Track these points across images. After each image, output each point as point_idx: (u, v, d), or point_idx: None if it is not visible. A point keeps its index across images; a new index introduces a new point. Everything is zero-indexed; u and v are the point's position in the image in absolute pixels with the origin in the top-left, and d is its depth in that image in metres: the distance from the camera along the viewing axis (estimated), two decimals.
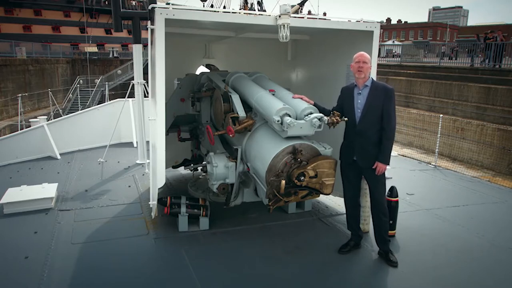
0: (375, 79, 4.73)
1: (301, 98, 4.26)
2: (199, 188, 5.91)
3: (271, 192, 3.93)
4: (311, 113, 4.00)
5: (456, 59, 22.98)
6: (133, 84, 7.75)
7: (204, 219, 4.82)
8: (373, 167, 3.99)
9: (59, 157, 8.31)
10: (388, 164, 4.04)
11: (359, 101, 4.05)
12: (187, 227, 4.77)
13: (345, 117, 4.13)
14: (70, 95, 27.81)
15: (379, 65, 4.81)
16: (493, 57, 18.62)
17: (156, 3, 4.35)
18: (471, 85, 18.02)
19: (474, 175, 9.94)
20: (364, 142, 4.02)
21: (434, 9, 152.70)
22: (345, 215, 5.36)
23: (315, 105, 4.22)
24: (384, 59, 29.11)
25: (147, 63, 5.23)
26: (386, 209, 4.24)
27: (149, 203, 4.67)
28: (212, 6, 30.46)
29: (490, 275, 4.04)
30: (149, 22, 4.33)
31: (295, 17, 4.32)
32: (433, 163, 8.68)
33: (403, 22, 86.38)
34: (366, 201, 4.66)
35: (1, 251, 4.34)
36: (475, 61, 20.60)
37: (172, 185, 6.56)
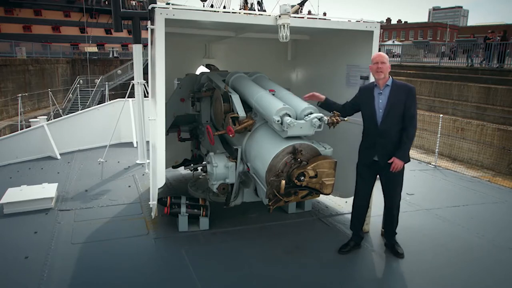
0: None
1: (312, 95, 4.31)
2: (199, 188, 5.91)
3: (271, 192, 3.93)
4: (311, 113, 3.99)
5: (455, 59, 23.01)
6: (133, 84, 7.75)
7: (204, 219, 4.82)
8: (389, 161, 3.95)
9: (59, 157, 8.31)
10: (405, 162, 4.04)
11: (380, 101, 4.03)
12: (187, 227, 4.77)
13: (345, 118, 4.13)
14: (70, 95, 27.81)
15: None
16: (497, 57, 18.67)
17: (156, 3, 4.35)
18: (471, 85, 18.03)
19: (474, 175, 9.93)
20: (386, 142, 4.00)
21: (434, 9, 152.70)
22: (345, 215, 5.38)
23: (326, 100, 4.27)
24: None
25: (147, 63, 5.23)
26: (399, 206, 4.32)
27: (149, 203, 4.67)
28: (212, 6, 30.47)
29: (490, 275, 4.04)
30: (149, 22, 4.32)
31: (295, 17, 4.31)
32: (433, 163, 8.68)
33: (403, 22, 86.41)
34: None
35: (1, 251, 4.34)
36: (475, 61, 20.63)
37: (172, 185, 6.56)
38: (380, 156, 4.07)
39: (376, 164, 4.14)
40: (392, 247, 4.36)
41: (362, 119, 4.23)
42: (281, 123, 3.91)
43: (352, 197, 5.14)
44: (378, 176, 4.29)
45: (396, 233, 4.41)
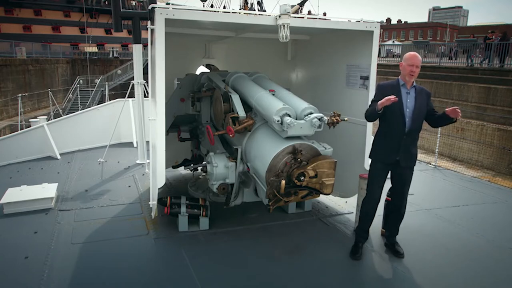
0: (375, 79, 4.75)
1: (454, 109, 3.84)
2: (199, 188, 5.91)
3: (271, 192, 3.93)
4: (311, 113, 4.00)
5: (456, 59, 23.01)
6: (133, 84, 7.75)
7: (204, 219, 4.82)
8: (455, 109, 3.78)
9: (59, 157, 8.31)
10: (414, 165, 4.18)
11: (408, 100, 4.00)
12: (187, 227, 4.77)
13: (345, 117, 4.13)
14: (70, 95, 27.81)
15: (379, 65, 4.80)
16: (498, 57, 18.73)
17: (156, 3, 4.35)
18: (471, 85, 18.04)
19: (474, 175, 9.93)
20: (411, 142, 4.00)
21: (434, 9, 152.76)
22: (345, 215, 5.38)
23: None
24: (384, 59, 29.12)
25: (147, 63, 5.24)
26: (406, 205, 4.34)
27: (149, 203, 4.67)
28: (212, 6, 30.49)
29: (490, 275, 4.04)
30: (149, 22, 4.33)
31: (295, 17, 4.31)
32: (433, 163, 8.69)
33: (403, 22, 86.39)
34: None
35: (1, 251, 4.34)
36: (475, 61, 20.65)
37: (172, 185, 6.56)
38: (403, 157, 4.02)
39: (394, 164, 4.08)
40: (392, 246, 4.37)
41: (385, 118, 4.03)
42: (281, 123, 3.91)
43: (352, 197, 5.14)
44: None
45: (397, 233, 4.43)
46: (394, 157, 4.04)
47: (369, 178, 4.27)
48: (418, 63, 3.98)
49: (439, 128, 9.70)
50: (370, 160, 4.33)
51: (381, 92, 4.03)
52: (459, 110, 3.81)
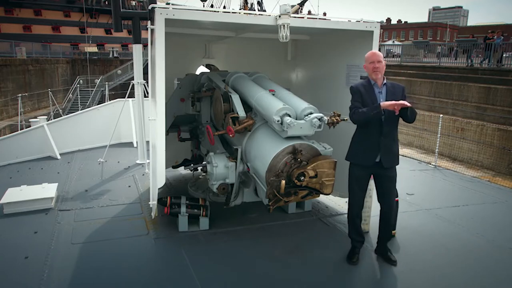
0: None
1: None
2: (199, 188, 5.91)
3: (271, 192, 3.93)
4: (311, 113, 4.00)
5: (456, 59, 23.02)
6: (133, 84, 7.75)
7: (204, 219, 4.82)
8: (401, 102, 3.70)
9: (59, 157, 8.31)
10: (396, 164, 4.08)
11: (381, 100, 3.93)
12: (187, 227, 4.77)
13: (345, 117, 4.12)
14: (70, 95, 27.81)
15: None
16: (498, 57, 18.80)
17: (156, 3, 4.35)
18: (471, 85, 18.05)
19: (474, 175, 9.93)
20: (389, 142, 3.95)
21: (434, 9, 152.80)
22: (345, 215, 5.35)
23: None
24: (384, 59, 29.08)
25: (147, 63, 5.24)
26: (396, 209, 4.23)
27: (149, 203, 4.67)
28: (212, 6, 30.51)
29: (490, 275, 4.04)
30: (149, 22, 4.33)
31: (295, 17, 4.31)
32: (433, 163, 8.68)
33: (403, 22, 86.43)
34: (366, 201, 4.65)
35: (1, 251, 4.34)
36: (475, 61, 20.67)
37: (172, 185, 6.56)
38: (385, 158, 3.95)
39: (375, 166, 4.01)
40: (384, 254, 4.22)
41: None
42: (281, 123, 3.91)
43: None
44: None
45: (389, 239, 4.34)
46: (373, 159, 3.97)
47: (350, 181, 4.15)
48: (379, 58, 3.92)
49: (439, 128, 9.71)
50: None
51: (359, 92, 3.96)
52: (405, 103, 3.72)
